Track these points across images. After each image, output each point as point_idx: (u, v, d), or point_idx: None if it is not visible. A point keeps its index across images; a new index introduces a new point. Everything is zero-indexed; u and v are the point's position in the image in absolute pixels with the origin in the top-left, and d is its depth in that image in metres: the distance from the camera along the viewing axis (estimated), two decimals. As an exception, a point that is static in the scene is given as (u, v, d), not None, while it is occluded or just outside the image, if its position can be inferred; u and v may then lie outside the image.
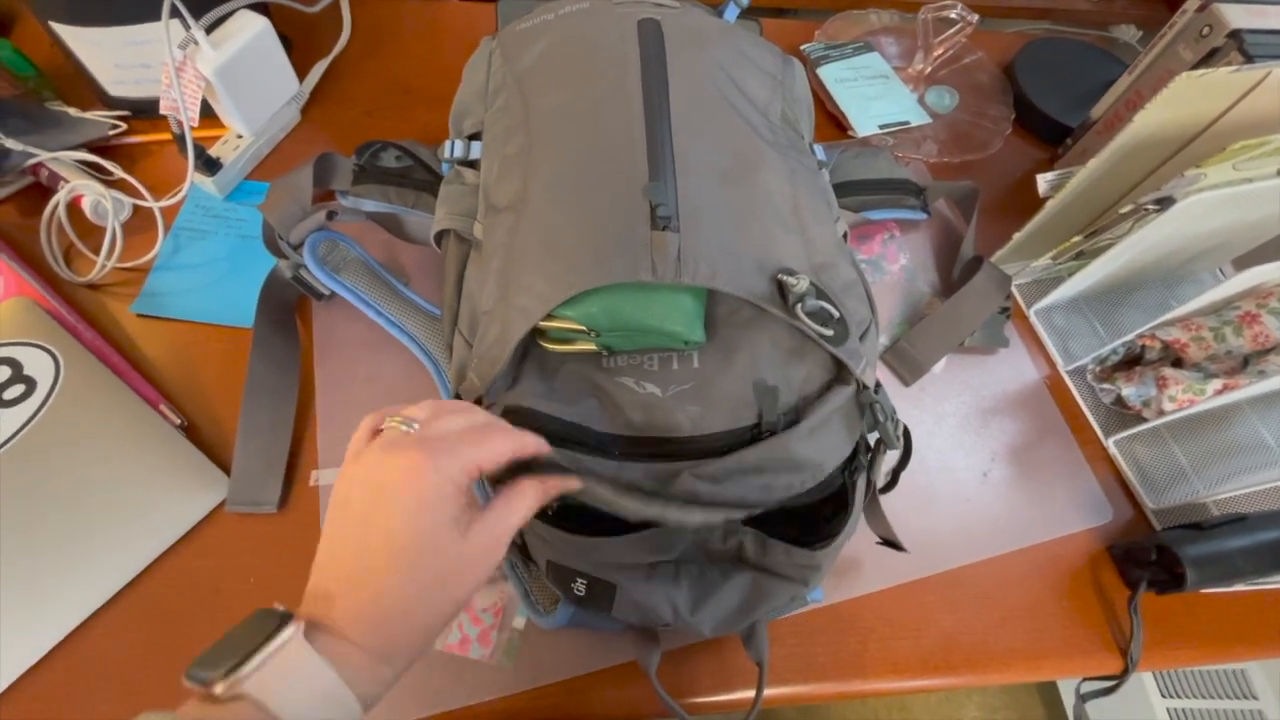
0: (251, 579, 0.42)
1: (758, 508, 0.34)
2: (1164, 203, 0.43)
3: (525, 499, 0.29)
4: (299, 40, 0.64)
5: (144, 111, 0.56)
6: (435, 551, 0.26)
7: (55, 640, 0.39)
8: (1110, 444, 0.53)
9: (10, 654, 0.38)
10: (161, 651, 0.39)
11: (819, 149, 0.47)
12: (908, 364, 0.54)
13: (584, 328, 0.35)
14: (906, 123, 0.66)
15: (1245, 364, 0.50)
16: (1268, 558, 0.43)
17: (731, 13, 0.49)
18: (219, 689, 0.22)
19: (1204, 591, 0.47)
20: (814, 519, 0.37)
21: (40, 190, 0.52)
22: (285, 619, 0.24)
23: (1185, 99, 0.43)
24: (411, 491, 0.26)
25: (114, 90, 0.56)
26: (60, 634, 0.39)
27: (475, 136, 0.44)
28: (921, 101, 0.69)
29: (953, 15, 0.65)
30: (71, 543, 0.40)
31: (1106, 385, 0.53)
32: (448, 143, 0.45)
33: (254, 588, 0.41)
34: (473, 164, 0.43)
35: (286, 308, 0.49)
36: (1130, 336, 0.51)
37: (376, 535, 0.25)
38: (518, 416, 0.35)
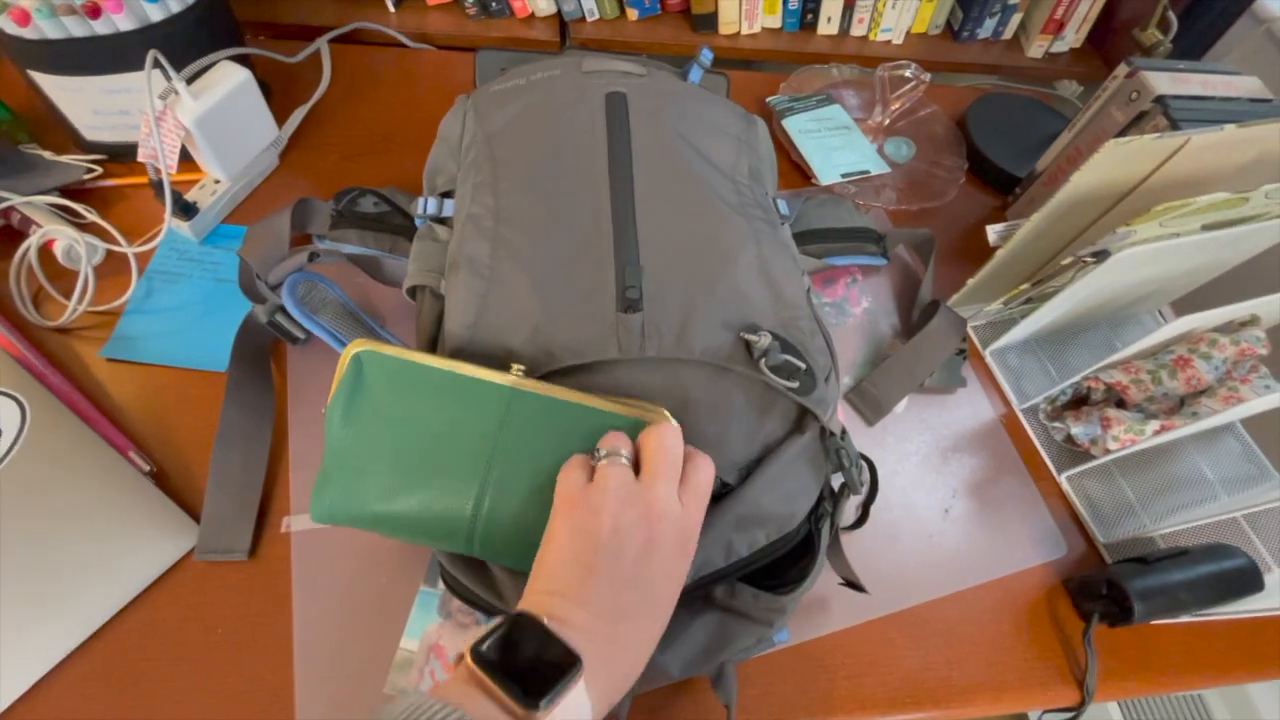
0: (219, 629, 0.41)
1: (724, 574, 0.35)
2: (1100, 255, 0.46)
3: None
4: (279, 87, 0.65)
5: (120, 155, 0.57)
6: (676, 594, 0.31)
7: (20, 691, 0.38)
8: (1063, 480, 0.55)
9: (-33, 710, 0.37)
10: (127, 704, 0.38)
11: (782, 203, 0.49)
12: (870, 404, 0.56)
13: None
14: (867, 172, 0.70)
15: (1181, 405, 0.53)
16: (1207, 590, 0.45)
17: (695, 74, 0.52)
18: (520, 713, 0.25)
19: (1155, 623, 0.49)
20: (781, 563, 0.38)
21: (11, 234, 0.52)
22: (570, 658, 0.26)
23: (1114, 163, 0.47)
24: (682, 556, 0.31)
25: (90, 135, 0.56)
26: (25, 685, 0.38)
27: (448, 194, 0.46)
28: (881, 152, 0.73)
29: (907, 74, 0.70)
30: (35, 592, 0.39)
31: (1057, 424, 0.56)
32: (420, 199, 0.46)
33: (221, 638, 0.41)
34: (445, 221, 0.44)
35: (262, 352, 0.49)
36: (1076, 379, 0.54)
37: (647, 591, 0.30)
38: None
